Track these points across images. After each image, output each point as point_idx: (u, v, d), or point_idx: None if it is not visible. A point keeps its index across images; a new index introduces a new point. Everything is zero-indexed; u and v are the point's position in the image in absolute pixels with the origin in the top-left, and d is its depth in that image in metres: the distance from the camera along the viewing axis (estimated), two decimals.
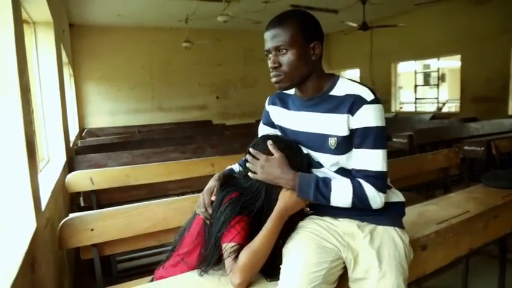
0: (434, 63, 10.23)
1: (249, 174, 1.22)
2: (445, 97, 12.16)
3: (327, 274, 1.10)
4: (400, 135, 4.93)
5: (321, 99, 1.21)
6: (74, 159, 3.55)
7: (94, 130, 8.29)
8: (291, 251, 1.17)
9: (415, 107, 10.25)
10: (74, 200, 3.13)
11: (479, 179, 2.28)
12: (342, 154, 1.19)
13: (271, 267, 1.18)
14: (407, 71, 11.01)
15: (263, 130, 1.44)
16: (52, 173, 2.71)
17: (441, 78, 11.20)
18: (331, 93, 1.20)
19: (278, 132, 1.38)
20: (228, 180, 1.28)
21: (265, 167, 1.19)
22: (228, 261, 1.13)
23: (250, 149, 1.24)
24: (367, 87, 1.17)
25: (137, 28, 9.67)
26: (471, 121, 6.13)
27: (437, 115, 8.56)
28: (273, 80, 1.22)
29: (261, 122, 1.45)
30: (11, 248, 1.19)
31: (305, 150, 1.28)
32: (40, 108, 3.19)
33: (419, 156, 3.04)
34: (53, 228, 1.80)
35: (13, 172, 1.35)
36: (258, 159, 1.21)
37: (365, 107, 1.13)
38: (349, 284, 1.17)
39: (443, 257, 1.54)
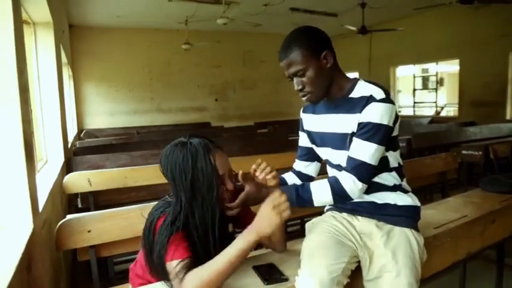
0: (432, 68, 10.27)
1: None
2: (444, 101, 12.16)
3: (345, 268, 1.13)
4: (398, 138, 4.92)
5: (342, 102, 1.28)
6: (72, 160, 3.54)
7: (92, 131, 8.28)
8: (311, 243, 1.22)
9: (414, 111, 10.25)
10: (71, 201, 3.12)
11: (477, 184, 2.28)
12: None
13: (269, 271, 1.18)
14: (406, 75, 11.04)
15: (300, 136, 1.50)
16: (50, 174, 2.71)
17: (440, 82, 11.23)
18: (351, 95, 1.27)
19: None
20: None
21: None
22: (175, 284, 1.02)
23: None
24: (381, 87, 1.23)
25: (137, 29, 9.65)
26: (469, 125, 6.16)
27: (436, 119, 8.58)
28: (303, 99, 1.32)
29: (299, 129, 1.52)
30: (8, 249, 1.19)
31: (329, 150, 1.34)
32: (39, 109, 3.19)
33: (418, 160, 3.05)
34: (50, 229, 1.79)
35: (10, 172, 1.34)
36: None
37: (372, 105, 1.19)
38: (363, 283, 1.21)
39: (440, 261, 1.54)
